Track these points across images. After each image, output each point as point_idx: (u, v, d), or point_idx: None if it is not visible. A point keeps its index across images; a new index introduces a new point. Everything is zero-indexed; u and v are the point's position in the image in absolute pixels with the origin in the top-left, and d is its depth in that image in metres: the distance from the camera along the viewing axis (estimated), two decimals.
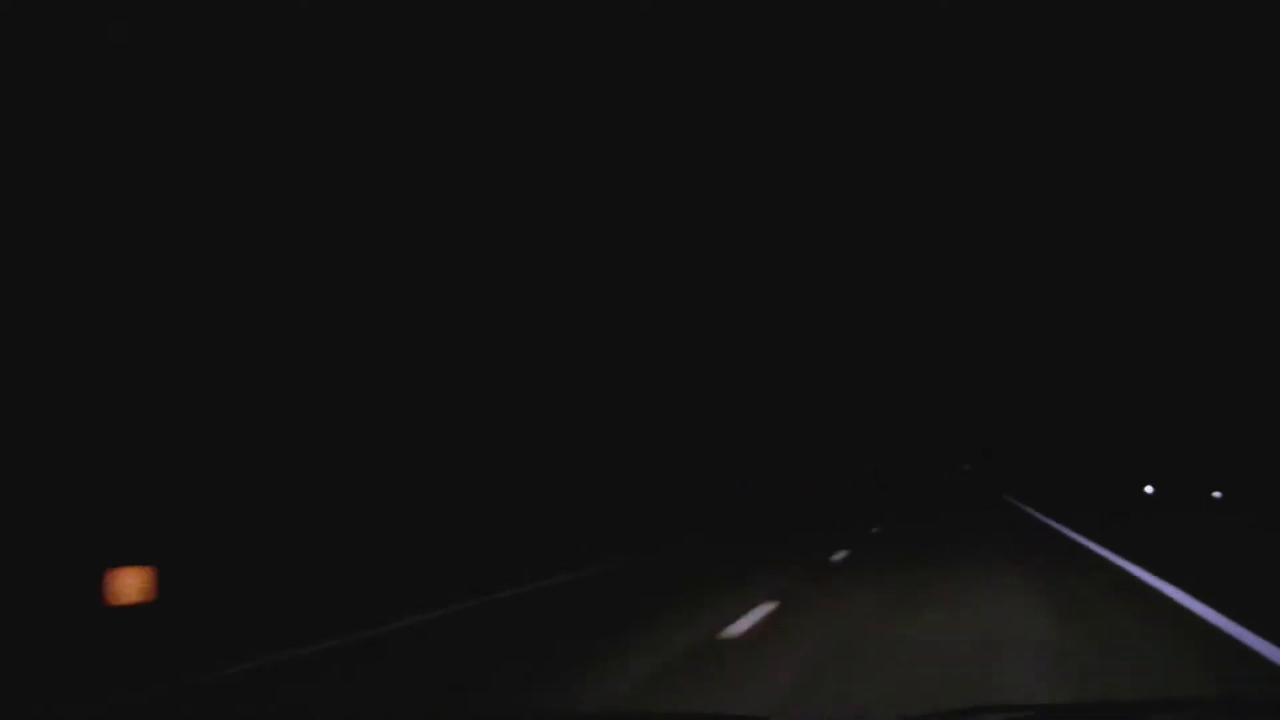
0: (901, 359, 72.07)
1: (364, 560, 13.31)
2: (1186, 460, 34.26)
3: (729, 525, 24.62)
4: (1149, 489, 39.32)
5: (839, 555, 14.02)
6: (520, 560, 13.73)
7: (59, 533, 11.33)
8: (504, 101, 24.87)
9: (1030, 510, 27.62)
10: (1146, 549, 12.94)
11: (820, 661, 6.28)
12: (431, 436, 20.99)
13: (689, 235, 37.61)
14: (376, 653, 7.28)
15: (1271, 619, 6.78)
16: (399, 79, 21.24)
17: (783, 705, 5.06)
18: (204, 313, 15.78)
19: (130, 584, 9.43)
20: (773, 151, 44.43)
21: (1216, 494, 32.76)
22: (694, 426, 37.44)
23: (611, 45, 27.43)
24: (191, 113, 15.90)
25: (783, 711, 4.82)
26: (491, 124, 24.52)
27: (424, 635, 8.05)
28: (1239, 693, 4.74)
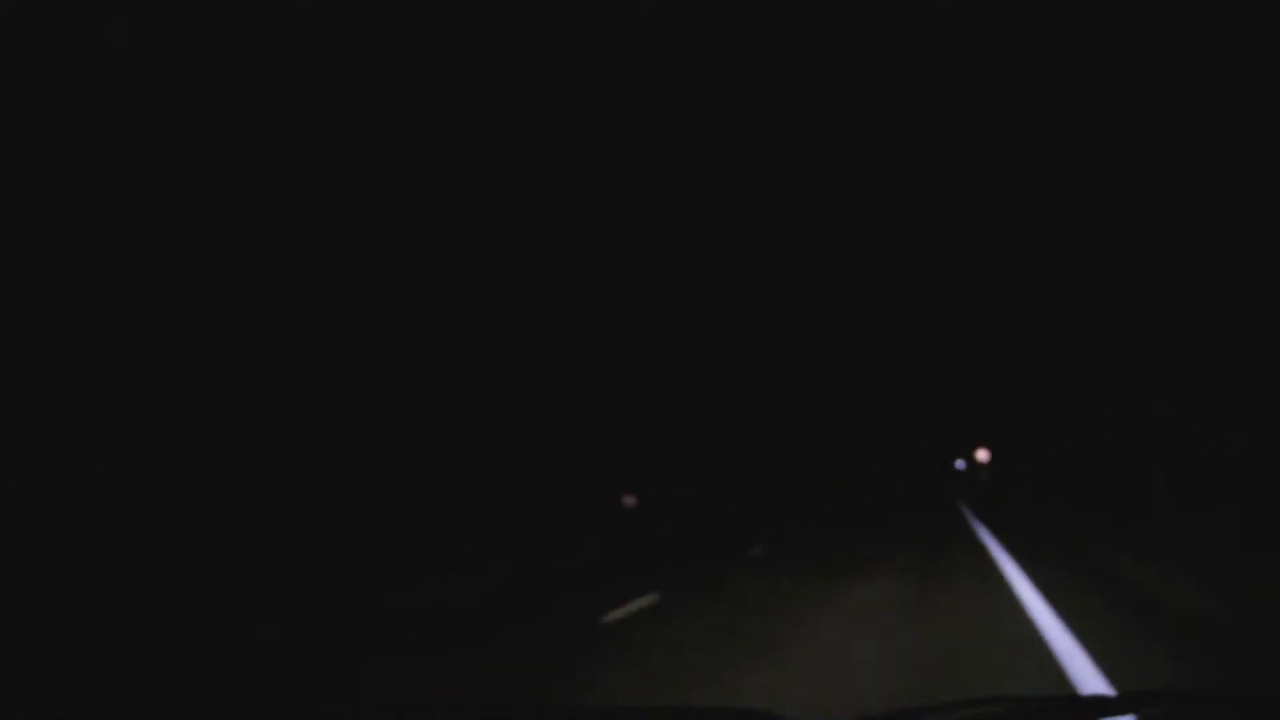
0: (903, 359, 72.31)
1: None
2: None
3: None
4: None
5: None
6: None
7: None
8: (504, 101, 24.92)
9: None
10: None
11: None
12: (431, 439, 21.07)
13: (690, 234, 37.68)
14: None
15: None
16: (399, 79, 21.29)
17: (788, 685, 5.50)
18: (203, 310, 15.83)
19: None
20: (772, 150, 44.52)
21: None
22: (703, 427, 37.50)
23: (611, 45, 27.50)
24: (191, 113, 15.96)
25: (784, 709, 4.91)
26: (492, 124, 24.58)
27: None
28: (1229, 687, 4.78)
